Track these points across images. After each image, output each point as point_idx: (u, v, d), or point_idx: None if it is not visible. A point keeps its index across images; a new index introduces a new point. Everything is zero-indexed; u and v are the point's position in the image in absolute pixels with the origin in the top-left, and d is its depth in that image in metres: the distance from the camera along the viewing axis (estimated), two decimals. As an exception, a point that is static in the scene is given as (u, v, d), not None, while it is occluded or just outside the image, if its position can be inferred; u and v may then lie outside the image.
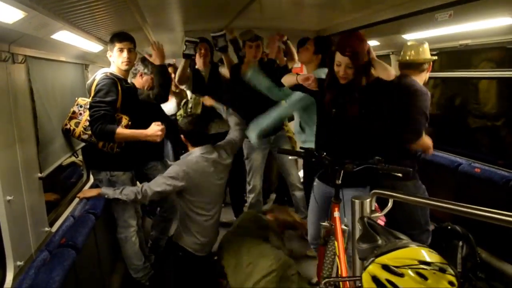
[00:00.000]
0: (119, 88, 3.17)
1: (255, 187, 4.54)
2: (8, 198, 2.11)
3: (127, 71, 3.38)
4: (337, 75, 2.86)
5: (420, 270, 1.45)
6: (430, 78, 4.22)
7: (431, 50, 3.21)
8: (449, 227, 3.42)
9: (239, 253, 3.47)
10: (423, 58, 3.14)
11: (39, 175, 2.57)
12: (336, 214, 2.60)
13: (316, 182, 3.14)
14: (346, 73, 2.79)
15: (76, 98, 3.28)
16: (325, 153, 2.71)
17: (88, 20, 2.71)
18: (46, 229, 2.63)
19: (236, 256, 3.46)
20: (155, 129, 3.14)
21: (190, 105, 4.67)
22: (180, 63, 4.45)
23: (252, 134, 3.79)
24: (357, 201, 2.17)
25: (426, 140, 3.16)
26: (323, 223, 2.78)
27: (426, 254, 1.50)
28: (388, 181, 2.86)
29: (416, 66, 3.15)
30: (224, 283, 3.44)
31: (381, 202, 2.43)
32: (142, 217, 4.03)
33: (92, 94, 3.11)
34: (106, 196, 3.13)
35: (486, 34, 3.24)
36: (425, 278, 1.43)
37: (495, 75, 3.80)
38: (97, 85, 3.10)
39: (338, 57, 2.79)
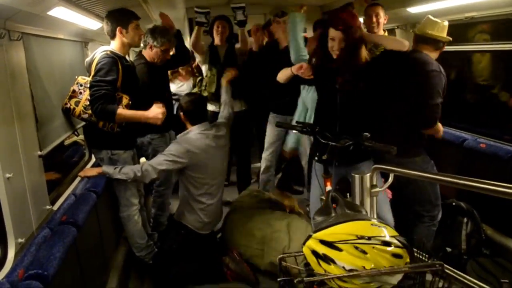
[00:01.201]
0: (120, 67, 3.16)
1: (264, 161, 4.64)
2: (8, 175, 2.12)
3: (128, 49, 3.39)
4: (330, 50, 2.86)
5: (358, 245, 1.46)
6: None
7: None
8: (454, 204, 3.43)
9: (249, 228, 3.61)
10: (443, 36, 3.07)
11: (39, 153, 2.58)
12: (328, 188, 2.61)
13: (315, 164, 3.15)
14: (340, 47, 2.79)
15: (76, 77, 3.27)
16: (318, 128, 2.75)
17: (86, -5, 2.69)
18: (48, 207, 2.65)
19: (246, 232, 3.60)
20: (156, 111, 3.17)
21: (204, 83, 4.67)
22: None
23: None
24: (357, 176, 2.16)
25: (437, 125, 3.13)
26: (322, 197, 2.79)
27: (368, 229, 1.52)
28: (395, 157, 2.85)
29: (433, 42, 3.08)
30: (227, 260, 3.47)
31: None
32: (145, 196, 4.05)
33: (92, 72, 3.11)
34: (107, 175, 3.14)
35: (492, 5, 3.18)
36: (364, 252, 1.45)
37: (500, 48, 3.73)
38: (97, 64, 3.09)
39: (332, 32, 2.80)
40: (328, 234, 1.54)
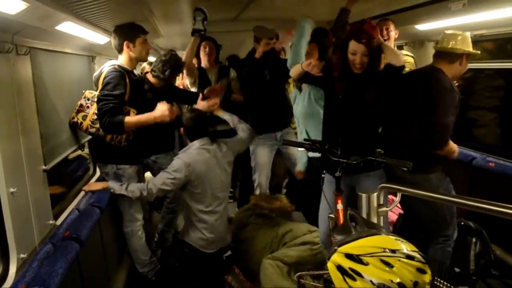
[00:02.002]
0: (127, 80, 3.18)
1: (260, 185, 4.52)
2: (12, 190, 2.13)
3: (136, 63, 3.42)
4: (351, 64, 2.85)
5: (384, 258, 1.43)
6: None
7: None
8: (462, 223, 3.38)
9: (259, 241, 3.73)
10: (451, 48, 2.96)
11: (43, 167, 2.59)
12: (339, 206, 2.59)
13: (325, 175, 3.14)
14: (362, 61, 2.80)
15: (83, 91, 3.29)
16: (328, 145, 2.73)
17: (93, 11, 2.71)
18: (51, 222, 2.65)
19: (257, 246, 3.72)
20: (162, 108, 3.16)
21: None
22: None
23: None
24: (363, 195, 2.14)
25: (451, 145, 3.05)
26: (331, 215, 2.77)
27: (392, 242, 1.49)
28: (408, 174, 2.83)
29: (445, 56, 2.98)
30: (229, 279, 3.45)
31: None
32: (150, 211, 4.04)
33: (100, 87, 3.12)
34: (112, 190, 3.14)
35: (501, 24, 3.18)
36: (390, 265, 1.41)
37: (509, 66, 3.73)
38: (105, 78, 3.11)
39: (353, 46, 2.79)
40: (353, 247, 1.51)
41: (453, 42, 2.95)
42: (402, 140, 3.05)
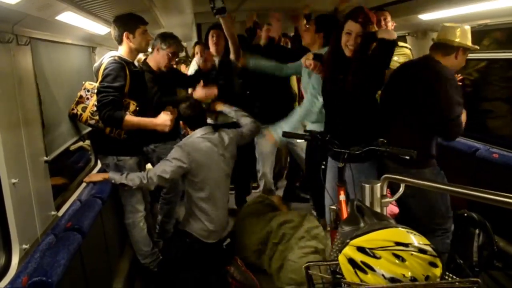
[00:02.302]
0: (127, 72, 3.17)
1: (265, 175, 4.58)
2: (13, 181, 2.14)
3: (136, 54, 3.40)
4: (344, 46, 2.85)
5: (397, 252, 1.43)
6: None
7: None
8: (466, 215, 3.38)
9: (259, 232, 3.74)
10: (445, 39, 2.92)
11: (45, 158, 2.60)
12: (342, 197, 2.60)
13: (329, 160, 3.20)
14: (356, 43, 2.79)
15: (83, 82, 3.28)
16: (329, 136, 2.72)
17: (94, 1, 2.70)
18: (53, 213, 2.66)
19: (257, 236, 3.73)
20: (165, 118, 3.17)
21: None
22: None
23: (276, 135, 3.80)
24: (367, 186, 2.14)
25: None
26: (332, 207, 2.77)
27: (404, 236, 1.48)
28: (401, 168, 2.82)
29: (440, 47, 2.95)
30: (232, 269, 3.46)
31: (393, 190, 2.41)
32: (151, 203, 4.05)
33: (100, 78, 3.12)
34: (113, 181, 3.15)
35: (506, 13, 3.15)
36: (402, 259, 1.41)
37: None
38: (105, 70, 3.10)
39: (349, 25, 2.79)
40: (365, 240, 1.50)
41: (451, 34, 2.91)
42: (398, 131, 3.04)
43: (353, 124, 2.92)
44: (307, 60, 3.24)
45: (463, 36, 2.90)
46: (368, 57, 2.81)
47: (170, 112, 3.25)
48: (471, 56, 3.99)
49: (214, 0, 3.80)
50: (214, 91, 4.00)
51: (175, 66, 4.41)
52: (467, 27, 2.92)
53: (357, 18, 2.76)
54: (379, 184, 2.14)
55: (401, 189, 2.12)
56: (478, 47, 2.99)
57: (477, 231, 3.32)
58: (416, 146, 2.75)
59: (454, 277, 1.70)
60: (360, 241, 1.51)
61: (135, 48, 3.29)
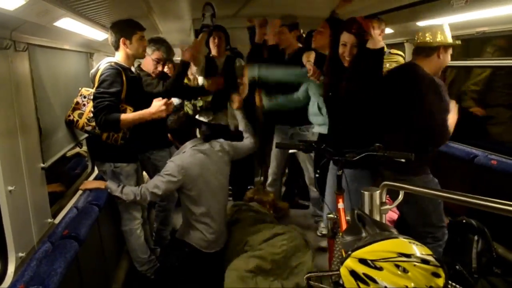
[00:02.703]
0: (124, 78, 3.16)
1: (273, 172, 4.70)
2: (10, 188, 2.12)
3: (133, 60, 3.40)
4: (341, 57, 2.93)
5: (399, 263, 1.42)
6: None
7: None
8: (464, 221, 3.39)
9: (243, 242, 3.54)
10: (424, 41, 2.92)
11: (42, 165, 2.58)
12: (340, 205, 2.59)
13: (331, 167, 3.23)
14: (352, 53, 2.87)
15: (80, 88, 3.28)
16: (324, 145, 2.70)
17: (92, 7, 2.71)
18: (49, 220, 2.64)
19: (239, 247, 3.53)
20: (157, 104, 3.14)
21: None
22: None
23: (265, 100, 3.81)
24: (366, 193, 2.14)
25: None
26: (330, 215, 2.77)
27: (406, 246, 1.47)
28: (393, 175, 2.82)
29: (421, 51, 2.94)
30: None
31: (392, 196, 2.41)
32: (148, 210, 4.04)
33: (96, 84, 3.11)
34: (109, 190, 3.14)
35: (504, 21, 3.17)
36: (405, 270, 1.40)
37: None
38: (101, 75, 3.10)
39: (344, 37, 2.88)
40: (367, 252, 1.49)
41: (428, 35, 2.91)
42: (388, 139, 3.04)
43: (353, 130, 2.93)
44: (308, 62, 3.25)
45: (441, 34, 2.90)
46: (360, 65, 2.84)
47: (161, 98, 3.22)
48: (472, 63, 4.04)
49: (204, 16, 3.87)
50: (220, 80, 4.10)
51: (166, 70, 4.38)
52: (445, 25, 2.92)
53: (350, 29, 2.84)
54: (378, 192, 2.15)
55: (400, 196, 2.13)
56: (459, 42, 2.99)
57: (476, 237, 3.32)
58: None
59: (457, 286, 1.71)
60: (362, 252, 1.50)
61: (131, 54, 3.28)
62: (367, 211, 2.15)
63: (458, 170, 3.97)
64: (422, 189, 2.15)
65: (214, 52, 4.57)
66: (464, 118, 3.30)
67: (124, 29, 3.22)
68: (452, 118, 2.96)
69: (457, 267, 3.29)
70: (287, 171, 5.50)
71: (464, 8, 3.02)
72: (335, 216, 2.73)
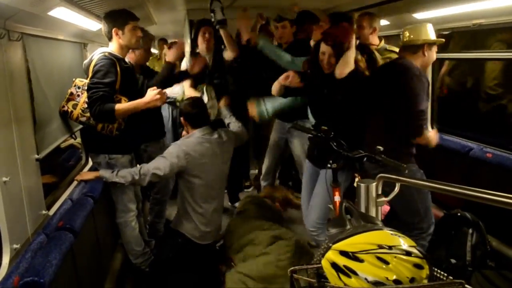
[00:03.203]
0: (118, 68, 3.15)
1: (267, 166, 4.70)
2: (4, 179, 2.12)
3: (128, 50, 3.39)
4: (321, 64, 3.02)
5: (380, 255, 1.42)
6: (440, 59, 4.18)
7: (443, 30, 3.16)
8: (459, 214, 3.41)
9: (248, 239, 3.54)
10: (409, 40, 3.07)
11: (36, 156, 2.57)
12: (337, 198, 2.62)
13: (307, 163, 3.35)
14: (330, 62, 2.97)
15: (74, 79, 3.26)
16: (333, 133, 2.73)
17: (87, -4, 2.70)
18: (44, 212, 2.64)
19: (244, 243, 3.54)
20: (152, 94, 3.13)
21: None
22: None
23: (258, 108, 3.81)
24: (362, 185, 2.15)
25: (429, 134, 3.08)
26: (331, 205, 2.79)
27: (388, 238, 1.48)
28: (377, 168, 2.83)
29: (409, 48, 3.09)
30: (224, 269, 3.47)
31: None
32: (143, 202, 4.04)
33: (90, 74, 3.10)
34: (104, 179, 3.14)
35: (501, 13, 3.18)
36: (386, 262, 1.41)
37: (508, 56, 3.75)
38: (95, 66, 3.08)
39: (323, 47, 2.97)
40: (348, 244, 1.50)
41: (414, 34, 3.06)
42: (372, 132, 3.11)
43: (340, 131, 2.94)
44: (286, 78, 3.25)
45: (425, 33, 3.05)
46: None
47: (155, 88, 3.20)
48: (470, 55, 4.05)
49: (215, 12, 3.87)
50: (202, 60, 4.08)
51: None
52: (428, 25, 3.06)
53: (326, 40, 2.92)
54: (374, 184, 2.16)
55: (396, 189, 2.14)
56: (443, 40, 3.16)
57: (470, 230, 3.34)
58: (391, 147, 2.77)
59: (445, 274, 1.72)
60: (342, 245, 1.51)
61: (124, 44, 3.25)
62: (363, 203, 2.16)
63: (453, 163, 3.99)
64: (417, 181, 2.17)
65: (202, 48, 4.46)
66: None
67: (117, 19, 3.20)
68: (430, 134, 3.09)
69: (452, 260, 3.33)
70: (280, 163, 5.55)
71: (460, 0, 3.03)
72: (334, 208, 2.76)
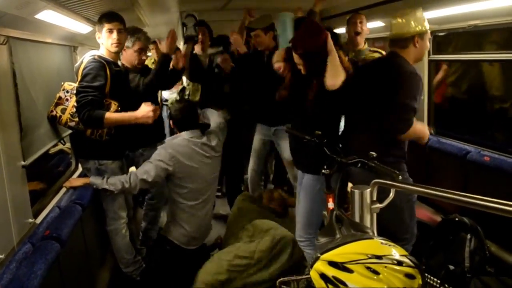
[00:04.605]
0: (108, 72, 3.13)
1: (251, 169, 4.67)
2: None
3: (117, 54, 3.34)
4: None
5: (370, 265, 1.40)
6: (437, 60, 4.17)
7: (439, 31, 3.12)
8: (457, 219, 3.39)
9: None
10: (396, 34, 2.89)
11: (22, 163, 2.55)
12: (330, 204, 2.58)
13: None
14: (303, 68, 2.89)
15: (62, 83, 3.24)
16: (326, 140, 2.68)
17: (74, -1, 2.67)
18: (30, 220, 2.61)
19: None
20: (146, 110, 3.11)
21: (187, 92, 4.64)
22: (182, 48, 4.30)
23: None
24: (356, 191, 2.12)
25: (419, 127, 2.94)
26: (325, 212, 2.76)
27: (378, 247, 1.46)
28: (365, 173, 2.75)
29: (398, 42, 2.91)
30: None
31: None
32: (134, 208, 4.01)
33: (79, 78, 3.07)
34: (94, 186, 3.11)
35: (496, 14, 3.18)
36: (376, 272, 1.39)
37: (505, 58, 3.74)
38: (84, 69, 3.06)
39: (294, 56, 2.89)
40: (336, 254, 1.48)
41: (400, 27, 2.87)
42: (358, 133, 3.03)
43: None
44: (276, 63, 3.24)
45: (415, 22, 2.85)
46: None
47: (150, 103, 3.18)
48: (469, 57, 4.03)
49: (186, 27, 3.87)
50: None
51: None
52: (418, 11, 2.87)
53: (296, 49, 2.82)
54: (368, 190, 2.13)
55: (391, 194, 2.11)
56: (422, 28, 2.92)
57: (468, 236, 3.32)
58: (378, 151, 2.68)
59: (439, 281, 1.70)
60: (331, 255, 1.49)
61: (106, 47, 3.23)
62: (357, 210, 2.13)
63: (450, 166, 3.97)
64: (413, 187, 2.14)
65: (198, 49, 4.50)
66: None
67: (97, 22, 3.19)
68: (420, 127, 2.95)
69: (450, 266, 3.31)
70: (273, 168, 5.54)
71: (456, 1, 3.02)
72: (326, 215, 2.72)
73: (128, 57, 3.74)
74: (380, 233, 3.01)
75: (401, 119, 2.80)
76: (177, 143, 3.32)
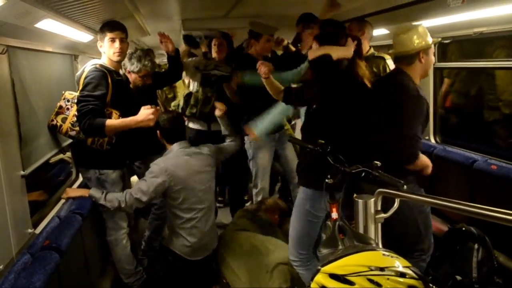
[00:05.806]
0: (110, 81, 3.14)
1: (264, 189, 4.55)
2: None
3: (119, 63, 3.36)
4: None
5: (372, 277, 1.39)
6: (442, 68, 4.17)
7: (444, 38, 3.11)
8: (464, 229, 3.36)
9: (242, 254, 3.49)
10: (400, 52, 2.87)
11: (22, 173, 2.56)
12: (334, 215, 2.56)
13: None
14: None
15: (63, 92, 3.25)
16: (329, 148, 2.66)
17: (75, 7, 2.68)
18: (29, 230, 2.61)
19: (238, 258, 3.48)
20: (146, 113, 3.12)
21: (193, 99, 4.57)
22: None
23: (258, 130, 3.77)
24: (360, 201, 2.11)
25: (423, 160, 2.90)
26: (328, 222, 2.74)
27: (380, 259, 1.45)
28: (373, 187, 2.74)
29: (402, 58, 2.90)
30: None
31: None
32: (136, 218, 4.00)
33: (81, 87, 3.08)
34: (93, 199, 3.11)
35: (502, 21, 3.18)
36: (378, 284, 1.37)
37: (510, 65, 3.74)
38: (85, 78, 3.07)
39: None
40: (337, 267, 1.46)
41: (403, 45, 2.85)
42: (368, 148, 2.96)
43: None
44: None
45: (418, 38, 2.82)
46: None
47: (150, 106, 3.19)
48: (475, 65, 4.03)
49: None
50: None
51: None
52: (420, 27, 2.85)
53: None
54: (373, 199, 2.12)
55: (396, 204, 2.10)
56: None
57: (476, 246, 3.29)
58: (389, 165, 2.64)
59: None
60: (332, 267, 1.47)
61: (108, 56, 3.26)
62: (361, 220, 2.12)
63: (457, 175, 3.95)
64: (418, 197, 2.13)
65: (215, 56, 4.59)
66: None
67: (100, 31, 3.22)
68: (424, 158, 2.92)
69: (457, 277, 3.28)
70: (279, 177, 5.51)
71: (461, 8, 3.01)
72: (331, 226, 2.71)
73: (132, 79, 3.79)
74: (395, 245, 3.04)
75: (407, 152, 2.80)
76: (168, 157, 3.32)
